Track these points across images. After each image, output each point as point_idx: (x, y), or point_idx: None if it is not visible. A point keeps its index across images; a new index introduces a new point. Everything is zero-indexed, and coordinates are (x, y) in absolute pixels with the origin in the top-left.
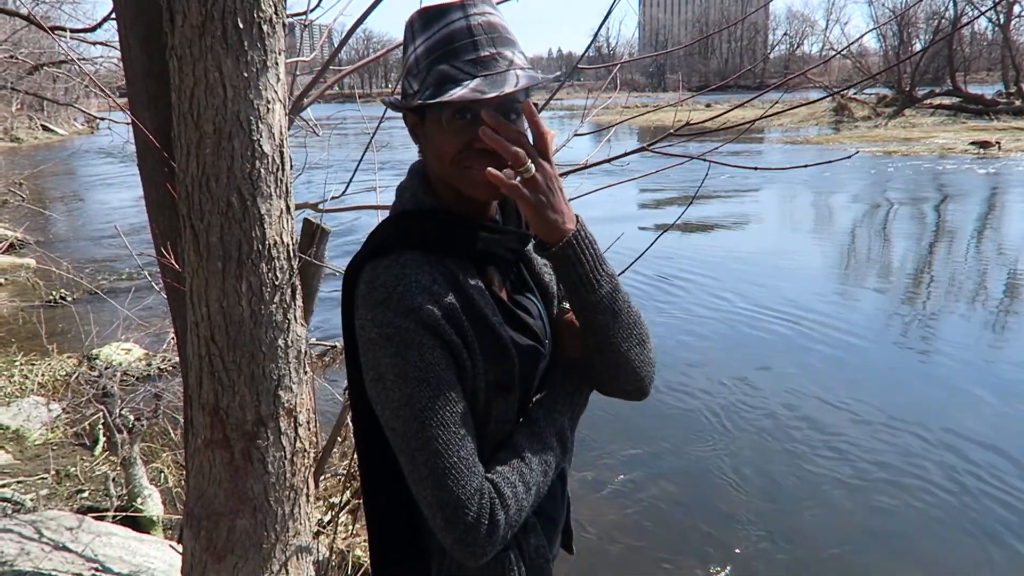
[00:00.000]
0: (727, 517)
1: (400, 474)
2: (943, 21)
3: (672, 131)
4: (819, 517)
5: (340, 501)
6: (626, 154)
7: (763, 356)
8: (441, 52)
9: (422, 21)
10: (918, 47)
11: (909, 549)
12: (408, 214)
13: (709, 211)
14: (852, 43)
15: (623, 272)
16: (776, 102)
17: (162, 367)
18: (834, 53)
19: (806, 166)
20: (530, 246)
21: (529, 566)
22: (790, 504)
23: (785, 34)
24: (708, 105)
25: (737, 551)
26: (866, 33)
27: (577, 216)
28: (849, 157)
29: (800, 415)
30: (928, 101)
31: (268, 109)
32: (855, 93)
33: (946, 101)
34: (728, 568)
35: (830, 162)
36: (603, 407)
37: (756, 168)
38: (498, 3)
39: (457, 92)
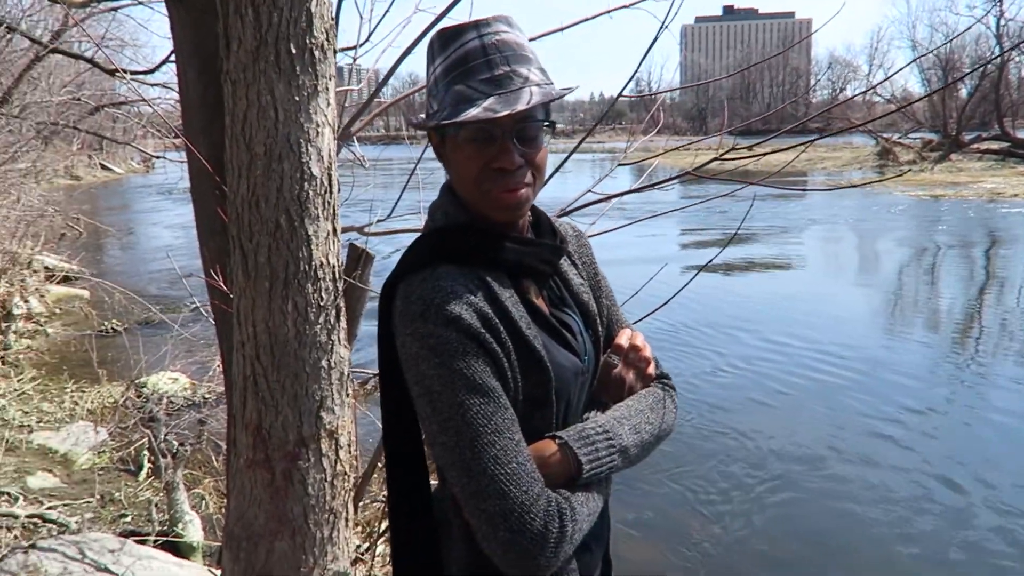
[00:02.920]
0: (773, 563)
1: (423, 495)
2: (989, 66)
3: (718, 156)
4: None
5: (379, 529)
6: (670, 179)
7: (804, 400)
8: (457, 72)
9: (440, 42)
10: (964, 92)
11: None
12: (441, 230)
13: (752, 252)
14: (886, 78)
15: (655, 312)
16: (810, 140)
17: (206, 396)
18: (873, 97)
19: (853, 185)
20: (568, 266)
21: None
22: (839, 554)
23: (828, 79)
24: (750, 148)
25: None
26: (903, 68)
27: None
28: (895, 176)
29: (837, 459)
30: (975, 146)
31: (318, 132)
32: (900, 137)
33: (994, 146)
34: None
35: (878, 181)
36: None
37: (803, 189)
38: (539, 36)
39: (471, 112)
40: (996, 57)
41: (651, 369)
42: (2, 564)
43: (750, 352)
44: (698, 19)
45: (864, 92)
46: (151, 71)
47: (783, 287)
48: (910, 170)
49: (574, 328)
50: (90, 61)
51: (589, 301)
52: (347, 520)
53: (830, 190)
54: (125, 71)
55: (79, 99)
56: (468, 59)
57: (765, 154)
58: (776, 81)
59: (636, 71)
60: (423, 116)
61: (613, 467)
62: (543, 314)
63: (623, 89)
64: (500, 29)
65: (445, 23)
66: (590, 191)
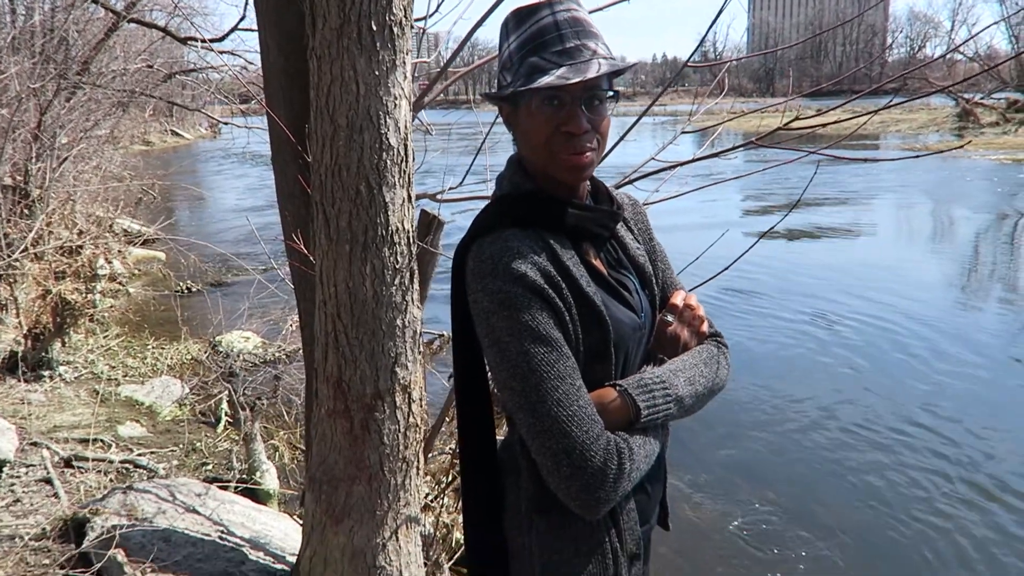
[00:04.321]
0: (828, 527)
1: (489, 442)
2: None
3: (782, 126)
4: (927, 534)
5: (447, 479)
6: (734, 148)
7: (872, 371)
8: (532, 46)
9: (515, 20)
10: None
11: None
12: (507, 197)
13: (821, 219)
14: (971, 37)
15: (716, 277)
16: (888, 104)
17: (277, 354)
18: (960, 58)
19: (918, 155)
20: (625, 232)
21: (621, 529)
22: (895, 519)
23: (906, 36)
24: (819, 111)
25: (837, 561)
26: (990, 26)
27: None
28: (962, 146)
29: (904, 429)
30: None
31: (395, 105)
32: (982, 98)
33: None
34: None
35: (921, 155)
36: (704, 410)
37: (866, 160)
38: (608, 5)
39: (545, 80)
40: None
41: (704, 327)
42: (104, 503)
43: (815, 319)
44: None
45: (944, 55)
46: (221, 39)
47: (852, 255)
48: (978, 136)
49: (631, 287)
50: (164, 30)
51: (645, 264)
52: (418, 469)
53: (896, 160)
54: (197, 39)
55: (152, 66)
56: (542, 34)
57: (830, 123)
58: (849, 39)
59: (703, 39)
60: (494, 89)
61: (669, 414)
62: (602, 274)
63: (689, 58)
64: (571, 7)
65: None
66: (653, 159)
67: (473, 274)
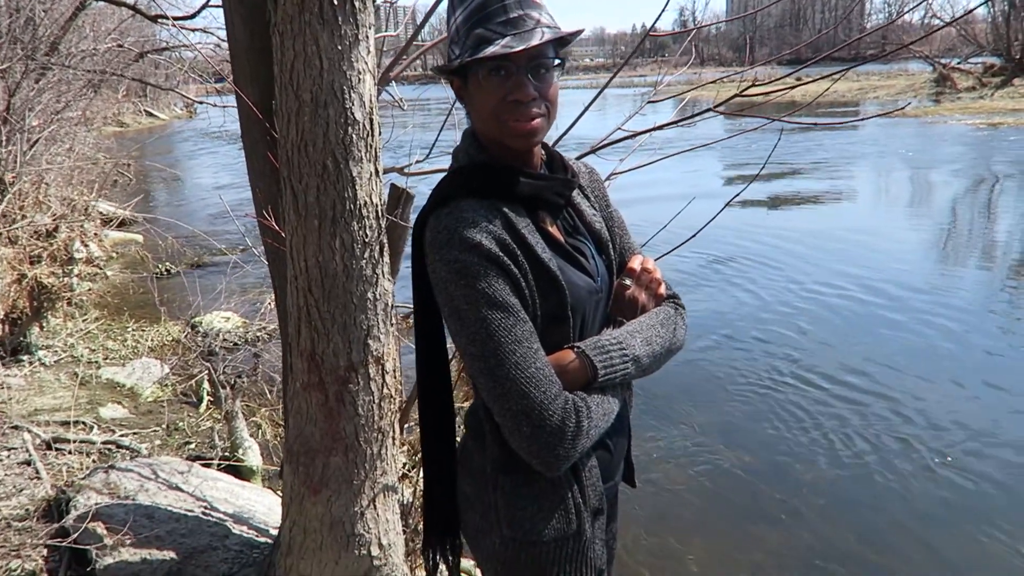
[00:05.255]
0: (803, 486)
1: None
2: None
3: (738, 93)
4: (896, 491)
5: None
6: (692, 117)
7: (852, 334)
8: (477, 18)
9: None
10: None
11: (978, 533)
12: (463, 169)
13: (800, 186)
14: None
15: (683, 245)
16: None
17: (258, 333)
18: (938, 23)
19: (862, 119)
20: (581, 199)
21: (584, 486)
22: (864, 477)
23: (884, 1)
24: (798, 79)
25: (810, 518)
26: (977, 7)
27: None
28: (903, 108)
29: (878, 392)
30: None
31: (359, 79)
32: (959, 63)
33: None
34: (798, 534)
35: (886, 114)
36: (677, 373)
37: (829, 124)
38: None
39: (490, 50)
40: None
41: (662, 289)
42: (87, 482)
43: (792, 283)
44: None
45: (916, 6)
46: (192, 16)
47: (832, 221)
48: (954, 101)
49: (587, 252)
50: (133, 8)
51: (601, 229)
52: (394, 439)
53: (856, 121)
54: (167, 17)
55: (122, 46)
56: (487, 5)
57: (789, 88)
58: (828, 6)
59: (664, 8)
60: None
61: (627, 374)
62: (558, 240)
63: (650, 28)
64: None
65: None
66: (620, 128)
67: (431, 245)
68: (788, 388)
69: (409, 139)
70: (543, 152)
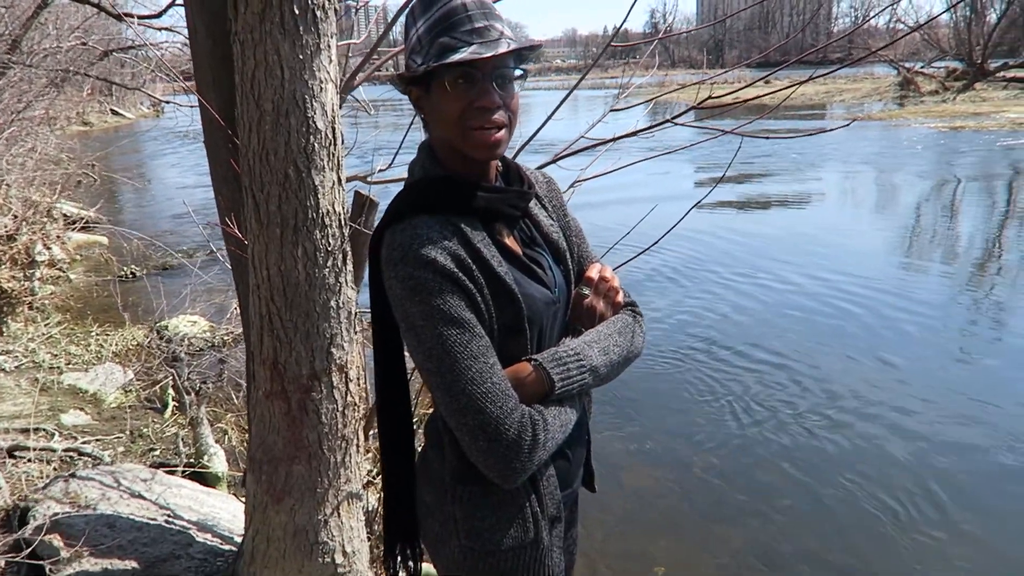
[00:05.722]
0: (768, 487)
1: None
2: None
3: (695, 106)
4: (861, 489)
5: None
6: (651, 127)
7: (816, 334)
8: (442, 27)
9: (422, 6)
10: (992, 18)
11: (953, 531)
12: (418, 183)
13: (769, 189)
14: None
15: (652, 247)
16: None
17: (225, 337)
18: (903, 28)
19: (811, 133)
20: (538, 210)
21: (542, 495)
22: (832, 477)
23: (850, 5)
24: (767, 81)
25: (775, 518)
26: (941, 14)
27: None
28: (847, 124)
29: (846, 391)
30: (1002, 74)
31: (321, 88)
32: (923, 67)
33: (1021, 74)
34: (763, 533)
35: (832, 129)
36: (645, 378)
37: (784, 137)
38: None
39: (459, 55)
40: None
41: (619, 297)
42: (46, 491)
43: (759, 287)
44: None
45: (881, 12)
46: (158, 15)
47: (799, 223)
48: (917, 105)
49: (544, 264)
50: (96, 5)
51: (559, 239)
52: (358, 446)
53: (811, 134)
54: (132, 15)
55: (87, 44)
56: (452, 15)
57: (744, 102)
58: (796, 10)
59: (626, 17)
60: (399, 76)
61: (585, 384)
62: (514, 252)
63: (620, 25)
64: None
65: None
66: (583, 136)
67: (386, 262)
68: (755, 390)
69: (383, 139)
70: (499, 163)
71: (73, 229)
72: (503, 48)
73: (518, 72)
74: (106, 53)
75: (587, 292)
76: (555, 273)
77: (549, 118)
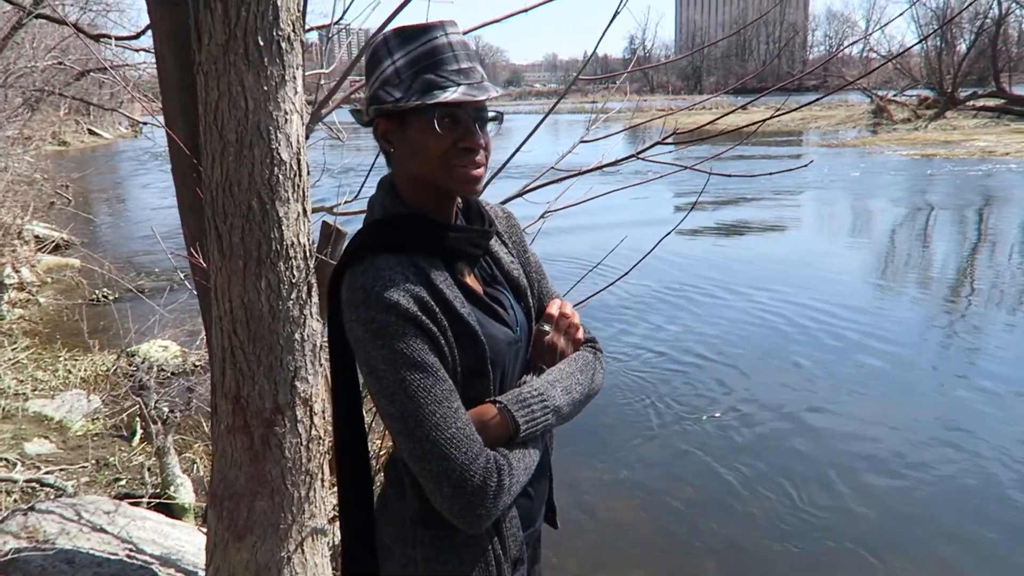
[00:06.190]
0: (742, 516)
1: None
2: (987, 21)
3: (659, 141)
4: (838, 518)
5: None
6: (617, 162)
7: (793, 361)
8: (426, 63)
9: (400, 39)
10: (962, 48)
11: (929, 555)
12: (379, 222)
13: (746, 215)
14: (877, 28)
15: (624, 276)
16: (793, 104)
17: (196, 364)
18: (875, 57)
19: (771, 174)
20: (499, 246)
21: (504, 536)
22: (807, 505)
23: (825, 34)
24: (744, 108)
25: (748, 548)
26: (896, 18)
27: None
28: (805, 166)
29: (822, 419)
30: (971, 103)
31: (286, 120)
32: (895, 95)
33: (990, 103)
34: (736, 564)
35: (791, 169)
36: (616, 406)
37: (750, 175)
38: (539, 5)
39: (449, 95)
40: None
41: (580, 334)
42: (2, 526)
43: (738, 312)
44: None
45: (854, 43)
46: (136, 36)
47: (777, 249)
48: (890, 132)
49: (505, 303)
50: (74, 27)
51: (519, 277)
52: (323, 481)
53: (782, 172)
54: (109, 36)
55: (64, 64)
56: (437, 52)
57: (712, 136)
58: (772, 38)
59: (597, 45)
60: (373, 107)
61: (548, 425)
62: (476, 293)
63: (580, 71)
64: (458, 31)
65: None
66: (552, 168)
67: (347, 304)
68: (728, 419)
69: (358, 162)
70: (459, 199)
71: (44, 250)
72: (492, 92)
73: (492, 114)
74: (83, 73)
75: (548, 329)
76: (516, 311)
77: (518, 149)
